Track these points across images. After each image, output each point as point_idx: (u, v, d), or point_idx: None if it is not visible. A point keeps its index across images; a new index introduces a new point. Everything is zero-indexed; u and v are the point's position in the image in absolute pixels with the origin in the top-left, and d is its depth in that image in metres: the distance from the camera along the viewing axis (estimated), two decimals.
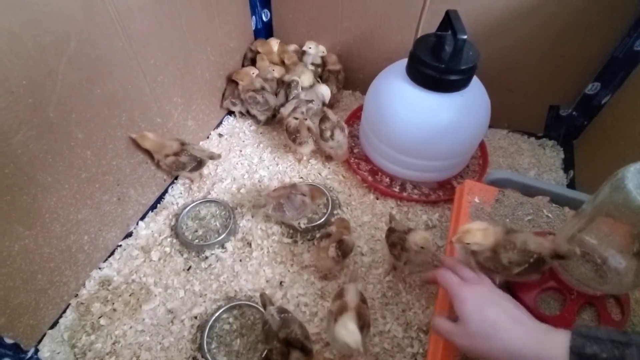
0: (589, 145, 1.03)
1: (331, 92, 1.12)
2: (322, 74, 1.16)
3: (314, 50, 1.13)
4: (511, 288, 0.61)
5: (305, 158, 1.04)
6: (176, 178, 0.99)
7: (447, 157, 0.89)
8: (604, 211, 0.49)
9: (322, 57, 1.15)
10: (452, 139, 0.85)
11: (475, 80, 0.86)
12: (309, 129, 0.96)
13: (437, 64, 0.78)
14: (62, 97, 0.64)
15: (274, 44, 1.15)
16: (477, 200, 0.76)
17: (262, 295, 0.71)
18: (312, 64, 1.14)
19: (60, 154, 0.67)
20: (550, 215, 0.72)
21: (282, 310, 0.66)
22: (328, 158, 1.04)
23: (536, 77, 1.03)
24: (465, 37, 0.74)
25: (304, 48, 1.13)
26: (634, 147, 0.84)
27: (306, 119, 0.96)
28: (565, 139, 1.10)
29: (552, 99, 1.07)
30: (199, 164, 0.90)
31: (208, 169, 1.01)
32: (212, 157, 0.93)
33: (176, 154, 0.86)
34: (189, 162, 0.88)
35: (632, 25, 0.87)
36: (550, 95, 1.06)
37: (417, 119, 0.84)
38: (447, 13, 0.79)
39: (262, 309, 0.75)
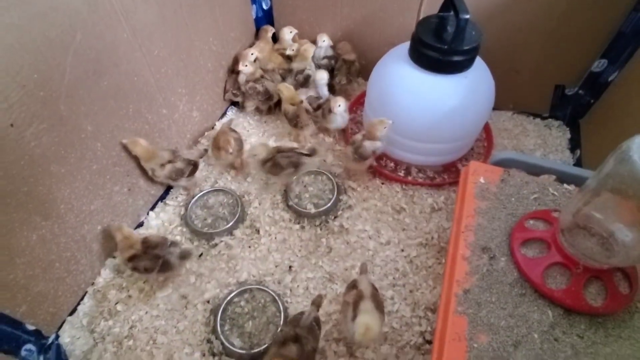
0: (595, 124, 1.02)
1: (340, 82, 1.11)
2: (336, 64, 1.13)
3: (327, 42, 1.11)
4: (518, 264, 0.62)
5: (305, 140, 1.05)
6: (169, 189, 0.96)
7: (452, 139, 0.89)
8: (609, 184, 0.49)
9: (335, 48, 1.13)
10: (456, 121, 0.85)
11: (479, 61, 0.85)
12: (307, 111, 0.97)
13: (439, 45, 0.78)
14: (70, 90, 0.65)
15: (287, 32, 1.13)
16: (482, 180, 0.76)
17: (318, 296, 0.71)
18: (325, 57, 1.12)
19: (72, 146, 0.69)
20: (556, 193, 0.72)
21: (317, 320, 0.66)
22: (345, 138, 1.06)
23: (541, 56, 1.01)
24: (467, 16, 0.73)
25: (318, 43, 1.10)
26: None
27: (302, 102, 0.98)
28: (571, 118, 1.09)
29: (557, 78, 1.05)
30: (195, 166, 0.90)
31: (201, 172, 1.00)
32: (202, 155, 0.93)
33: (171, 162, 0.85)
34: (186, 167, 0.87)
35: None
36: (556, 74, 1.05)
37: (421, 101, 0.84)
38: None
39: (272, 293, 0.77)
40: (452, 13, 0.78)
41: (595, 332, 0.57)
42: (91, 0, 0.65)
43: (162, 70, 0.85)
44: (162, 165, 0.84)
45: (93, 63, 0.69)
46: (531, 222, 0.67)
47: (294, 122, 0.98)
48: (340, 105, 0.95)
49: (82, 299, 0.79)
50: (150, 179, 0.88)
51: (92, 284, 0.81)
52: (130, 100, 0.79)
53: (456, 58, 0.79)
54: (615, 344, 0.56)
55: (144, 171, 0.86)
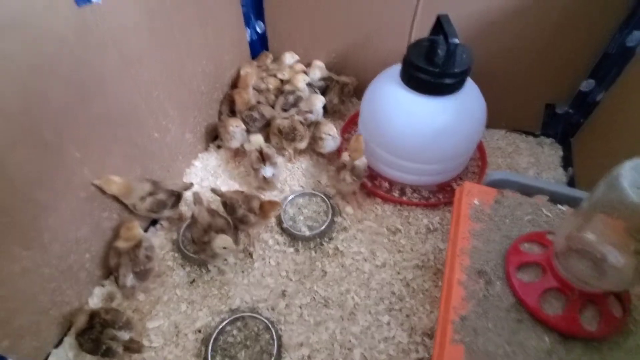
0: (586, 142, 1.04)
1: (332, 102, 1.12)
2: (329, 84, 1.15)
3: (319, 73, 1.13)
4: (514, 289, 0.61)
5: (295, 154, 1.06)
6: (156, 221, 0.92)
7: (445, 160, 0.89)
8: (600, 209, 0.49)
9: (333, 72, 1.15)
10: (449, 141, 0.85)
11: (469, 83, 0.86)
12: (300, 122, 0.99)
13: (430, 68, 0.79)
14: (56, 116, 0.64)
15: (289, 57, 1.15)
16: (476, 202, 0.75)
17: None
18: (322, 78, 1.14)
19: (57, 172, 0.67)
20: (549, 214, 0.72)
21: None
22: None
23: (531, 76, 1.03)
24: (457, 41, 0.75)
25: (311, 71, 1.13)
26: (631, 142, 0.84)
27: (293, 115, 1.00)
28: (563, 136, 1.11)
29: (547, 97, 1.07)
30: (178, 198, 0.86)
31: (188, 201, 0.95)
32: (187, 187, 0.90)
33: (152, 194, 0.81)
34: (168, 198, 0.83)
35: (623, 21, 0.88)
36: (546, 93, 1.06)
37: (413, 123, 0.84)
38: (438, 18, 0.79)
39: (265, 320, 0.75)
40: (442, 37, 0.79)
41: (591, 357, 0.56)
42: (79, 27, 0.64)
43: (154, 94, 0.84)
44: (143, 198, 0.80)
45: (80, 89, 0.68)
46: (526, 245, 0.66)
47: (292, 135, 0.98)
48: (330, 134, 0.97)
49: (68, 329, 0.76)
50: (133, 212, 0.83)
51: None
52: (120, 125, 0.78)
53: (447, 80, 0.80)
54: None
55: (124, 206, 0.81)
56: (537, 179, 1.01)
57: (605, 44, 0.92)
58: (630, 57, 0.90)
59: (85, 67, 0.68)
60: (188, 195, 0.91)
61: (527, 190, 0.78)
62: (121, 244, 0.73)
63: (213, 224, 0.80)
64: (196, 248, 0.80)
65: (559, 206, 0.74)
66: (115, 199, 0.80)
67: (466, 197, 0.77)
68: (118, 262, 0.73)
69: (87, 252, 0.77)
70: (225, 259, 0.85)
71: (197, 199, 0.83)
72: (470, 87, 0.86)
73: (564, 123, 1.08)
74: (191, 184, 0.92)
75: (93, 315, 0.69)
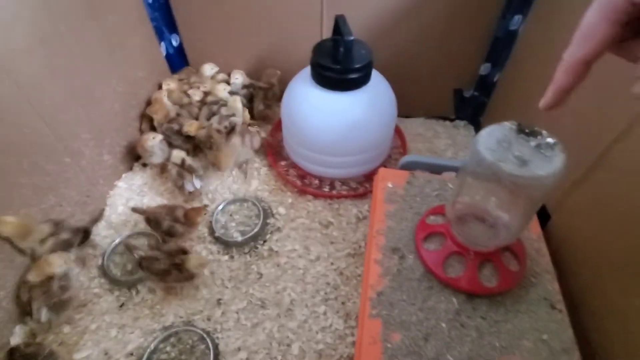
0: (492, 120, 1.11)
1: (258, 108, 1.14)
2: (253, 91, 1.16)
3: (240, 79, 1.14)
4: (423, 259, 0.65)
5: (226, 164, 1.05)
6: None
7: (362, 151, 0.93)
8: (470, 172, 0.55)
9: (263, 75, 1.17)
10: (362, 133, 0.90)
11: (376, 76, 0.92)
12: (218, 131, 0.99)
13: (334, 66, 0.83)
14: None
15: (208, 69, 1.16)
16: (390, 185, 0.80)
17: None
18: (244, 86, 1.15)
19: None
20: (454, 187, 0.78)
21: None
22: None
23: (437, 65, 1.11)
24: (351, 38, 0.80)
25: (232, 80, 1.13)
26: (523, 115, 0.93)
27: (211, 123, 1.00)
28: (474, 117, 1.20)
29: (455, 83, 1.16)
30: (86, 233, 0.82)
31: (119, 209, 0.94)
32: (97, 218, 0.86)
33: (53, 234, 0.74)
34: (73, 237, 0.77)
35: (504, 7, 0.98)
36: (453, 80, 1.15)
37: (326, 118, 0.88)
38: (336, 18, 0.84)
39: (200, 331, 0.74)
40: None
41: (497, 311, 0.61)
42: None
43: (59, 118, 0.82)
44: (43, 240, 0.73)
45: None
46: (432, 217, 0.71)
47: (209, 144, 0.99)
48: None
49: None
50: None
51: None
52: (24, 154, 0.75)
53: (351, 76, 0.84)
54: (515, 319, 0.60)
55: (20, 252, 0.74)
56: (440, 158, 1.09)
57: (494, 29, 1.02)
58: (515, 39, 1.00)
59: None
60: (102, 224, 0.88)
61: (435, 169, 0.84)
62: (32, 278, 0.70)
63: (167, 249, 0.79)
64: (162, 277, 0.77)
65: None
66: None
67: (381, 182, 0.81)
68: (30, 296, 0.70)
69: (2, 290, 0.73)
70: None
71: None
72: (377, 80, 0.92)
73: (472, 105, 1.17)
74: (102, 210, 0.87)
75: (13, 351, 0.65)
